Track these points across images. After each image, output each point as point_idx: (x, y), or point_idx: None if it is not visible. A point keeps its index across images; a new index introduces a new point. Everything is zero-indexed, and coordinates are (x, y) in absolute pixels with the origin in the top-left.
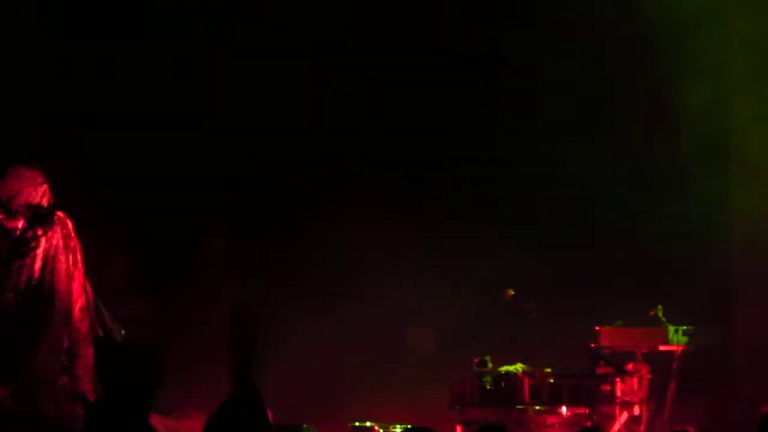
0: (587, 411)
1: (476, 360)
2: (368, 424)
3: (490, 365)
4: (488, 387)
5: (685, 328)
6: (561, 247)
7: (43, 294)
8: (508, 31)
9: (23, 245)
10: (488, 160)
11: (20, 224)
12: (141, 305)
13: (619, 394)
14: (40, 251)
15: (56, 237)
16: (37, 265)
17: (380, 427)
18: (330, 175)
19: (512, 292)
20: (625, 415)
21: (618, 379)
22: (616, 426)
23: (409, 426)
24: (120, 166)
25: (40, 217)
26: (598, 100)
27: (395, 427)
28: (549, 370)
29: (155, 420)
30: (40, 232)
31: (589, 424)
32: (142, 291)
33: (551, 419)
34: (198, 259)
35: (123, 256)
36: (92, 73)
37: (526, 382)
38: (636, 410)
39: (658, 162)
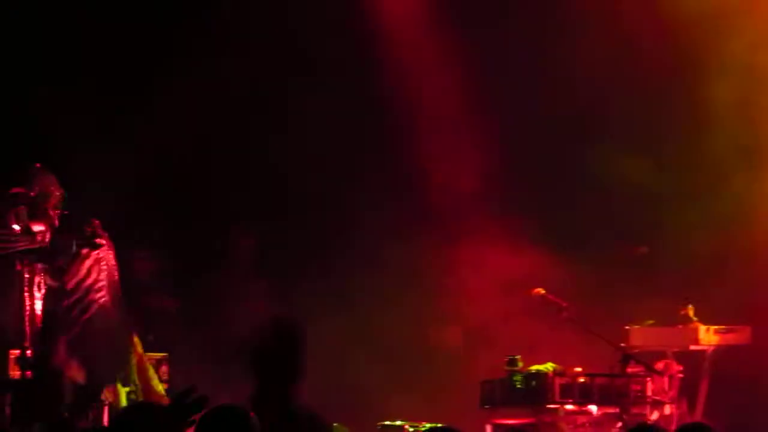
0: (618, 410)
1: (507, 359)
2: (398, 423)
3: (520, 364)
4: (518, 386)
5: (716, 327)
6: (591, 246)
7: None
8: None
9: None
10: (515, 159)
11: (44, 227)
12: (169, 303)
13: (649, 393)
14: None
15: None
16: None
17: (410, 426)
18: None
19: (542, 291)
20: (655, 415)
21: (649, 379)
22: None
23: (439, 425)
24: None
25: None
26: (626, 99)
27: (424, 427)
28: (579, 369)
29: None
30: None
31: (619, 424)
32: (170, 289)
33: (581, 419)
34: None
35: (152, 255)
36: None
37: (557, 382)
38: (667, 410)
39: (688, 160)
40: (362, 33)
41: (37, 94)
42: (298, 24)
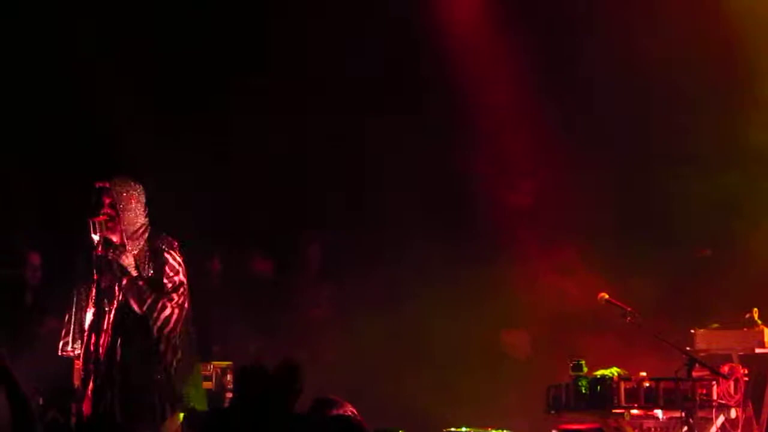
0: (683, 414)
1: (572, 364)
2: (463, 429)
3: (585, 369)
4: (584, 391)
5: None
6: (656, 249)
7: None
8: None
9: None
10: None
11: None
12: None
13: (715, 397)
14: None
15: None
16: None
17: None
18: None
19: (606, 296)
20: (721, 419)
21: (714, 382)
22: (713, 429)
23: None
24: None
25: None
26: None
27: None
28: (644, 373)
29: None
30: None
31: (685, 428)
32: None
33: (647, 423)
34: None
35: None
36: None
37: (622, 386)
38: (732, 413)
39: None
40: (419, 50)
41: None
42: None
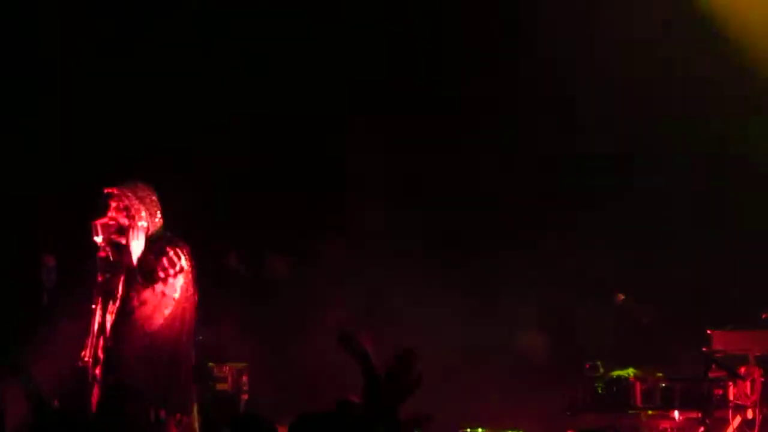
0: (700, 415)
1: (588, 365)
2: (479, 430)
3: (601, 370)
4: (600, 392)
5: None
6: (672, 251)
7: None
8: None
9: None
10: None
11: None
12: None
13: (731, 397)
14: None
15: None
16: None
17: None
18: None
19: (623, 296)
20: (738, 419)
21: (731, 383)
22: (729, 430)
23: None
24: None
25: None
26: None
27: None
28: (661, 374)
29: None
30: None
31: (702, 429)
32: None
33: (664, 424)
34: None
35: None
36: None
37: (638, 387)
38: (749, 414)
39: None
40: None
41: None
42: None
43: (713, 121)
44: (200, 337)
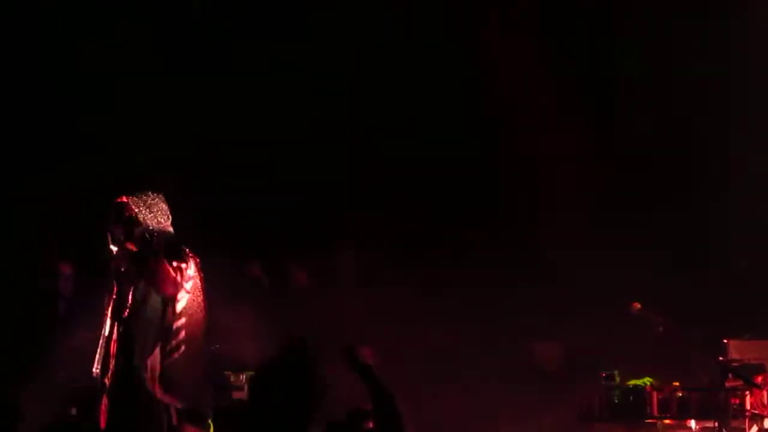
0: (716, 424)
1: (604, 374)
2: None
3: (617, 379)
4: (616, 401)
5: None
6: (690, 260)
7: None
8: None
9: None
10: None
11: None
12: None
13: (748, 407)
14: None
15: None
16: None
17: None
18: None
19: (639, 305)
20: (755, 428)
21: (747, 392)
22: None
23: None
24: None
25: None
26: None
27: None
28: (677, 383)
29: None
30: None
31: None
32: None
33: None
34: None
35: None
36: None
37: (655, 396)
38: (766, 423)
39: None
40: None
41: None
42: None
43: None
44: (217, 346)
